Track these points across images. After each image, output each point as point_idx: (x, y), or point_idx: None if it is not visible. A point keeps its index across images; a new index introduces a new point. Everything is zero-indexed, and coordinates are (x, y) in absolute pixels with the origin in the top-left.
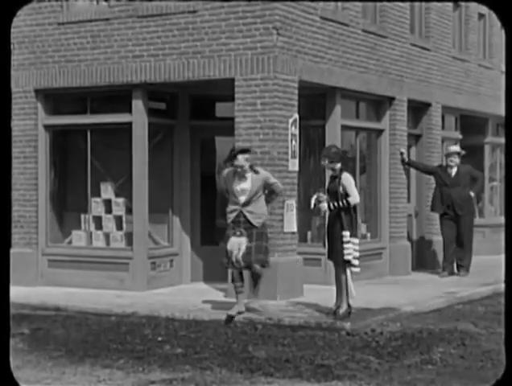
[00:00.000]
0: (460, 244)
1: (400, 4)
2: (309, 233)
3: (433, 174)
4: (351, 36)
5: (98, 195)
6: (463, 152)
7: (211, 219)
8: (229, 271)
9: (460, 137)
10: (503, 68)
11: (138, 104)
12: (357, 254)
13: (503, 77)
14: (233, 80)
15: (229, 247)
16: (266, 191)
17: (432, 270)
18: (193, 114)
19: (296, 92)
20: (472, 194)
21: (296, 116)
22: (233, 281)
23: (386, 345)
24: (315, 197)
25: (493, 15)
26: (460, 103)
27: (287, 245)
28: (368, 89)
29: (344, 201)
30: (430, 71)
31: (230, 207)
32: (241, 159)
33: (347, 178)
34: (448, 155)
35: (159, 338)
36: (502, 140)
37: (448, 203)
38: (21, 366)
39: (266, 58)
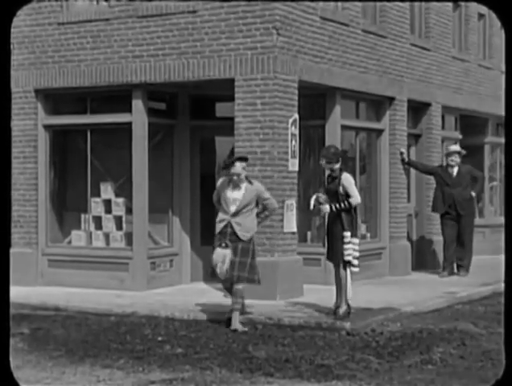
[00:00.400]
0: (461, 244)
1: (400, 4)
2: (309, 233)
3: (433, 174)
4: (351, 36)
5: (98, 194)
6: (463, 151)
7: (211, 219)
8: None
9: (460, 137)
10: (503, 68)
11: (137, 104)
12: (357, 254)
13: (503, 77)
14: (233, 80)
15: (214, 258)
16: (260, 207)
17: (432, 270)
18: (193, 114)
19: (296, 92)
20: (473, 194)
21: (296, 116)
22: (227, 294)
23: (386, 345)
24: (314, 197)
25: (493, 15)
26: (460, 103)
27: (287, 245)
28: (368, 89)
29: (346, 202)
30: (430, 71)
31: (220, 217)
32: (238, 167)
33: (347, 179)
34: (449, 155)
35: (159, 338)
36: (502, 140)
37: (449, 203)
38: (21, 366)
39: (266, 58)
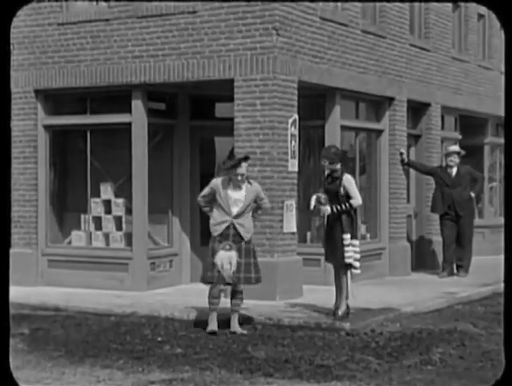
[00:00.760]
0: (460, 245)
1: (400, 4)
2: (309, 234)
3: (432, 174)
4: (350, 36)
5: (98, 195)
6: (462, 152)
7: None
8: (211, 286)
9: (460, 137)
10: (502, 69)
11: (137, 105)
12: (358, 256)
13: (502, 78)
14: (232, 80)
15: (218, 261)
16: (254, 206)
17: (432, 271)
18: (193, 114)
19: (296, 92)
20: (472, 194)
21: (296, 116)
22: (211, 296)
23: (386, 345)
24: (314, 198)
25: (493, 16)
26: (460, 103)
27: (287, 246)
28: (367, 89)
29: (347, 203)
30: (429, 72)
31: (219, 218)
32: (243, 167)
33: (349, 180)
34: (448, 155)
35: (159, 339)
36: (502, 140)
37: (448, 204)
38: (21, 366)
39: (265, 58)
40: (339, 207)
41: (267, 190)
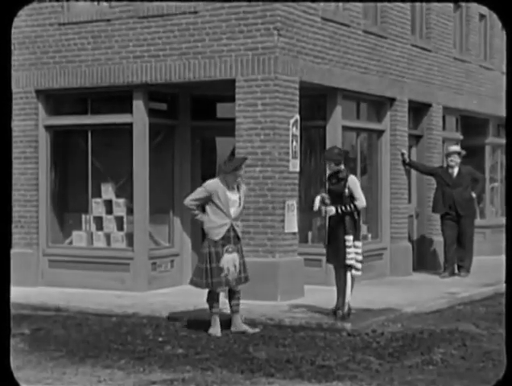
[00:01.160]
0: (461, 245)
1: (401, 5)
2: (310, 234)
3: (434, 174)
4: (352, 37)
5: (99, 195)
6: (463, 152)
7: None
8: (211, 290)
9: (461, 137)
10: (504, 69)
11: (138, 105)
12: (360, 257)
13: (504, 78)
14: (233, 80)
15: (224, 265)
16: None
17: (433, 271)
18: (194, 115)
19: (297, 92)
20: (473, 195)
21: (297, 116)
22: (212, 300)
23: (387, 346)
24: (318, 198)
25: (494, 16)
26: (461, 104)
27: (288, 246)
28: (368, 90)
29: (352, 205)
30: (431, 72)
31: (218, 222)
32: (242, 169)
33: (353, 181)
34: (449, 155)
35: (160, 339)
36: (503, 141)
37: (449, 204)
38: (21, 366)
39: (266, 58)
40: (343, 208)
41: (268, 190)
